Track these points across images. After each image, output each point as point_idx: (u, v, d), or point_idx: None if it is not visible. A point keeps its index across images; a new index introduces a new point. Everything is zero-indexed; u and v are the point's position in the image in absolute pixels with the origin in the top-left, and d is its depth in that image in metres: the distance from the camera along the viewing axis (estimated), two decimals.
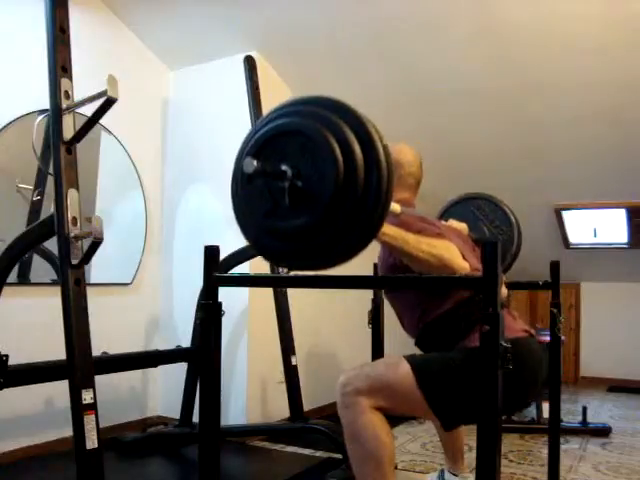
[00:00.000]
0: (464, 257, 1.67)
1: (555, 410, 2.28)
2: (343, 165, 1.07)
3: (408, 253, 1.58)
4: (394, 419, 3.63)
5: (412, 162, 1.97)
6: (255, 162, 1.12)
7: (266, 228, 1.20)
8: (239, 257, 3.01)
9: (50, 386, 2.20)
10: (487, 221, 2.40)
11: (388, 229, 1.55)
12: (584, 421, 3.39)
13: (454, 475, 2.27)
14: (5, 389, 2.00)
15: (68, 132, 1.68)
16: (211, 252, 1.39)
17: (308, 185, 1.11)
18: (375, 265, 2.72)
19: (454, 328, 1.74)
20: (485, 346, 1.09)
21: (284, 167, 1.12)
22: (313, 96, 1.20)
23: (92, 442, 1.53)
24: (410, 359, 1.69)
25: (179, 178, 3.56)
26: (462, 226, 2.17)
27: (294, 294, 3.16)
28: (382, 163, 1.09)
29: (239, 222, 1.28)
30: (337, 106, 1.15)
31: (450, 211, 2.49)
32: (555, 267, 2.33)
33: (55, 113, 1.68)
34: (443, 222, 2.12)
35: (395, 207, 1.65)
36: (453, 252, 1.61)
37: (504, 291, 1.98)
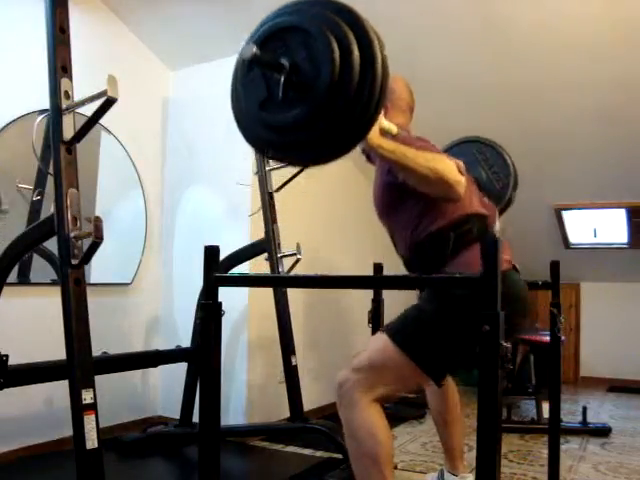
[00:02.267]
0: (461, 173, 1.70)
1: (555, 410, 2.28)
2: (339, 63, 1.11)
3: (406, 166, 1.59)
4: (394, 419, 3.64)
5: (403, 88, 2.00)
6: (254, 48, 1.14)
7: (260, 119, 1.22)
8: (239, 257, 3.01)
9: (50, 386, 2.20)
10: (486, 165, 2.44)
11: (386, 143, 1.56)
12: (584, 421, 3.39)
13: (453, 475, 2.27)
14: (5, 389, 2.00)
15: (68, 132, 1.68)
16: (211, 252, 1.39)
17: (304, 80, 1.14)
18: (375, 265, 2.73)
19: (443, 248, 1.74)
20: (485, 346, 1.09)
21: (282, 60, 1.15)
22: None
23: (92, 442, 1.52)
24: (385, 329, 1.72)
25: (179, 178, 3.56)
26: (459, 163, 2.19)
27: (294, 294, 3.16)
28: (378, 63, 1.14)
29: (235, 112, 1.30)
30: (343, 9, 1.19)
31: (451, 151, 2.52)
32: (555, 267, 2.33)
33: (55, 113, 1.68)
34: None
35: (392, 127, 1.65)
36: (449, 166, 1.62)
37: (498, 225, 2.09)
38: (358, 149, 1.78)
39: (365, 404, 1.64)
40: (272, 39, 1.19)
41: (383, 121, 1.59)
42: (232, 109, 1.31)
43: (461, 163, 1.76)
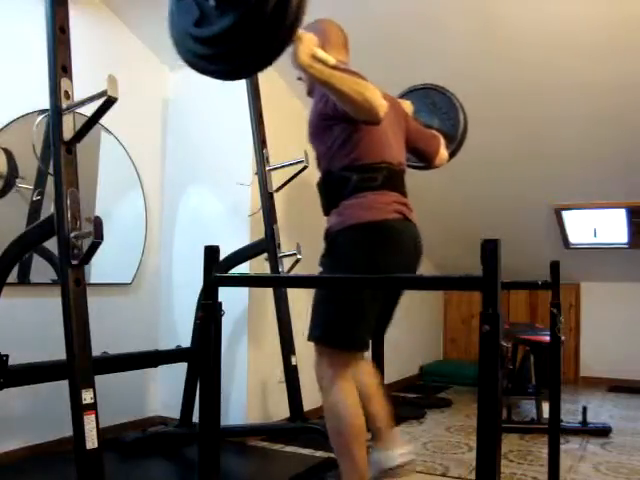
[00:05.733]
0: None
1: (555, 410, 2.28)
2: None
3: (333, 85, 1.70)
4: (394, 419, 3.63)
5: (333, 27, 2.14)
6: None
7: (196, 35, 1.35)
8: (239, 257, 3.01)
9: (50, 386, 2.21)
10: (435, 109, 2.51)
11: (318, 65, 1.69)
12: (584, 421, 3.39)
13: (385, 451, 2.09)
14: (5, 389, 2.00)
15: (68, 132, 1.68)
16: (211, 252, 1.39)
17: None
18: None
19: (343, 186, 1.90)
20: (485, 346, 1.09)
21: None
22: None
23: (92, 442, 1.53)
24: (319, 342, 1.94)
25: (179, 178, 3.56)
26: (406, 103, 2.32)
27: (294, 294, 3.16)
28: None
29: (173, 37, 1.42)
30: None
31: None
32: (555, 267, 2.33)
33: (55, 113, 1.68)
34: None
35: (329, 59, 1.75)
36: (374, 91, 1.74)
37: (444, 153, 2.28)
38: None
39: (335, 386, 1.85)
40: None
41: (318, 51, 1.72)
42: (170, 33, 1.43)
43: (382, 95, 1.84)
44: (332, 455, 2.80)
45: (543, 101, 3.35)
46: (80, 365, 1.58)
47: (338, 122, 1.87)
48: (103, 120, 1.74)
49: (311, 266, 3.56)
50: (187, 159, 3.55)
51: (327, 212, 2.01)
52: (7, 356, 1.97)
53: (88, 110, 1.65)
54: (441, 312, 5.86)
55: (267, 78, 3.28)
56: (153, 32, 3.38)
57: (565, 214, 4.43)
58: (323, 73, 1.69)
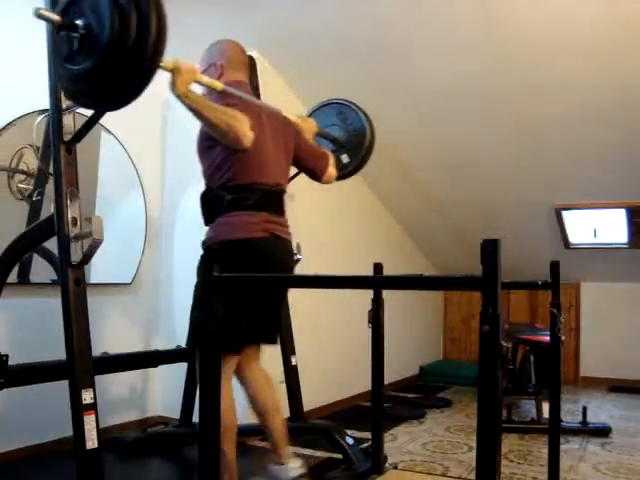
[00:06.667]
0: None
1: (555, 410, 2.28)
2: (119, 23, 1.32)
3: (202, 114, 1.88)
4: (394, 419, 3.64)
5: (233, 48, 2.22)
6: (56, 16, 1.38)
7: (66, 71, 1.45)
8: None
9: (50, 386, 2.20)
10: (344, 123, 2.58)
11: (192, 95, 1.88)
12: (584, 421, 3.39)
13: (279, 464, 2.29)
14: (5, 389, 2.00)
15: (68, 132, 1.68)
16: (211, 252, 1.39)
17: (93, 37, 1.37)
18: (375, 265, 2.73)
19: (218, 204, 2.01)
20: (485, 346, 1.09)
21: (78, 21, 1.37)
22: None
23: (92, 442, 1.53)
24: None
25: (179, 178, 3.56)
26: (308, 120, 2.43)
27: (294, 294, 3.16)
28: (152, 26, 1.38)
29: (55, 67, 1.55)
30: None
31: (314, 115, 2.64)
32: (555, 267, 2.33)
33: (55, 113, 1.68)
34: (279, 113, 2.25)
35: (216, 84, 1.96)
36: (241, 122, 1.92)
37: (332, 171, 2.34)
38: None
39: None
40: (72, 5, 1.41)
41: (203, 77, 1.92)
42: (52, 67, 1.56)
43: (248, 122, 1.96)
44: (332, 455, 2.82)
45: (544, 102, 3.35)
46: (80, 365, 1.58)
47: (218, 144, 1.99)
48: (103, 120, 1.74)
49: (311, 266, 3.57)
50: (187, 159, 3.52)
51: (206, 224, 2.11)
52: (7, 356, 1.97)
53: (88, 110, 1.65)
54: (441, 312, 5.87)
55: (267, 78, 3.28)
56: None
57: (565, 214, 4.43)
58: (195, 103, 1.86)
